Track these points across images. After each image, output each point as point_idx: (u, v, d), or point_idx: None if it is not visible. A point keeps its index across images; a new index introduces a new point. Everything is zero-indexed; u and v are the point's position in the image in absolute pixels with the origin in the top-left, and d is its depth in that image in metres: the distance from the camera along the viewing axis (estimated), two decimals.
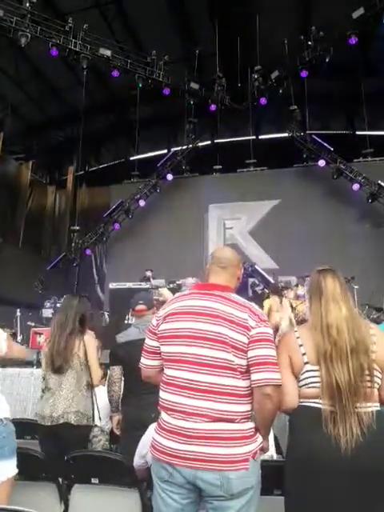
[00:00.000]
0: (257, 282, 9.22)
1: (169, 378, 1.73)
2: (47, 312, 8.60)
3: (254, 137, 12.20)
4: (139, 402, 2.75)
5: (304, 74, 10.24)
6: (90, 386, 2.86)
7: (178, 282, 7.91)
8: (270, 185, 11.23)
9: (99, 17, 10.35)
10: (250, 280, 9.21)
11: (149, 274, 8.34)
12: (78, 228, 12.35)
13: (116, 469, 2.20)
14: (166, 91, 10.80)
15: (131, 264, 10.31)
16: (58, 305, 8.45)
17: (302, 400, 1.70)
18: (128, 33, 10.80)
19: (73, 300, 3.02)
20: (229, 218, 11.80)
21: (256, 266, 9.64)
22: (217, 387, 1.63)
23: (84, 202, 13.76)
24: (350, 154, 10.91)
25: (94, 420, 2.84)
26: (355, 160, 10.97)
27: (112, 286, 8.48)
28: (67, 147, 13.09)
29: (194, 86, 11.06)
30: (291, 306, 5.94)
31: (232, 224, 11.77)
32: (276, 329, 4.96)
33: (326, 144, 10.76)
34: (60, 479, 2.28)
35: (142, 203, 11.58)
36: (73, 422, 2.68)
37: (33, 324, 7.21)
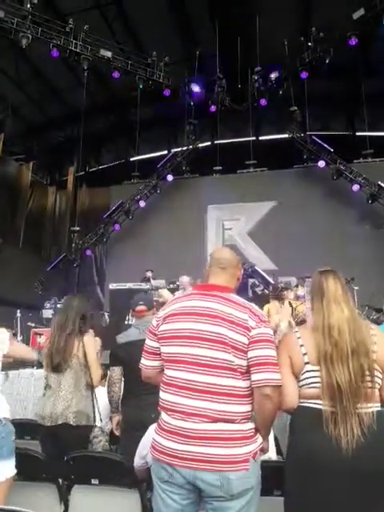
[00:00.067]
0: (257, 282, 9.23)
1: (169, 378, 1.73)
2: (47, 313, 8.60)
3: (254, 138, 12.21)
4: (139, 402, 2.75)
5: (304, 74, 10.25)
6: (90, 387, 2.85)
7: (177, 283, 7.90)
8: (270, 186, 11.24)
9: (100, 18, 10.36)
10: (250, 281, 9.21)
11: (149, 274, 8.34)
12: (78, 229, 12.36)
13: (116, 469, 2.20)
14: (167, 92, 10.82)
15: (131, 265, 10.31)
16: (59, 305, 8.45)
17: (302, 400, 1.70)
18: (128, 34, 10.81)
19: (73, 300, 3.02)
20: (228, 218, 11.81)
21: (256, 267, 9.65)
22: (217, 388, 1.63)
23: (84, 203, 13.77)
24: (350, 155, 10.92)
25: (94, 420, 2.84)
26: (355, 161, 10.97)
27: (112, 286, 8.48)
28: (67, 148, 13.10)
29: (195, 86, 11.07)
30: (291, 307, 5.95)
31: (231, 225, 11.79)
32: (274, 331, 4.97)
33: (325, 145, 10.76)
34: (60, 480, 2.28)
35: (142, 204, 11.59)
36: (72, 423, 2.68)
37: (33, 325, 7.21)
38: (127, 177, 12.53)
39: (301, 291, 6.98)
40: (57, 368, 2.77)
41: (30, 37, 8.97)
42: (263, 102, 10.81)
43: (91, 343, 2.86)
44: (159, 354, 1.81)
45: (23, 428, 2.85)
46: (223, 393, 1.63)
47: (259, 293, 8.96)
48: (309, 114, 11.07)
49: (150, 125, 12.38)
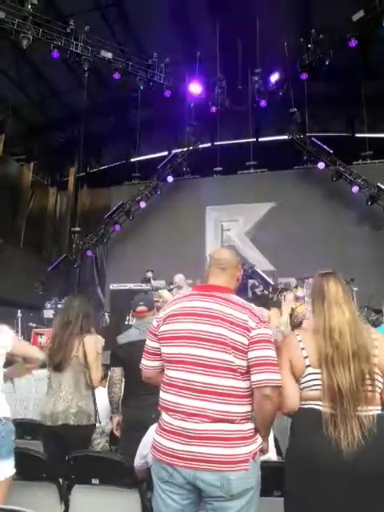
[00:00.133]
0: (256, 283, 9.23)
1: (169, 378, 1.74)
2: (48, 313, 8.62)
3: (254, 139, 12.22)
4: (139, 403, 2.75)
5: (304, 76, 10.26)
6: (90, 387, 2.87)
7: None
8: (270, 187, 11.25)
9: (100, 19, 10.37)
10: (250, 281, 9.21)
11: (149, 275, 8.34)
12: (78, 229, 12.37)
13: (116, 469, 2.20)
14: (167, 93, 10.83)
15: (132, 265, 10.32)
16: (59, 306, 8.46)
17: (303, 402, 1.71)
18: (129, 35, 10.82)
19: (74, 301, 3.03)
20: (226, 219, 11.84)
21: (256, 268, 9.65)
22: (217, 388, 1.64)
23: (85, 204, 13.78)
24: (350, 157, 10.93)
25: (96, 419, 2.85)
26: (355, 162, 10.99)
27: (112, 287, 8.48)
28: (68, 149, 13.10)
29: (195, 87, 11.09)
30: (291, 308, 5.95)
31: (229, 226, 11.81)
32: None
33: (325, 146, 10.78)
34: (60, 480, 2.28)
35: (142, 205, 11.60)
36: (72, 423, 2.69)
37: (34, 325, 7.23)
38: (128, 178, 12.55)
39: (300, 292, 7.00)
40: (57, 367, 2.78)
41: (31, 38, 8.99)
42: (263, 103, 10.82)
43: (91, 344, 2.85)
44: (159, 355, 1.81)
45: (24, 428, 2.86)
46: (223, 393, 1.64)
47: (259, 294, 8.97)
48: (308, 116, 11.09)
49: (150, 126, 12.40)
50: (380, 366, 1.67)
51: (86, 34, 9.73)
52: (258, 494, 1.68)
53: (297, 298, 6.60)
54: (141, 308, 3.06)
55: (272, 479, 1.83)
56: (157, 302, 5.26)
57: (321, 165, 10.68)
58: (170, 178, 11.61)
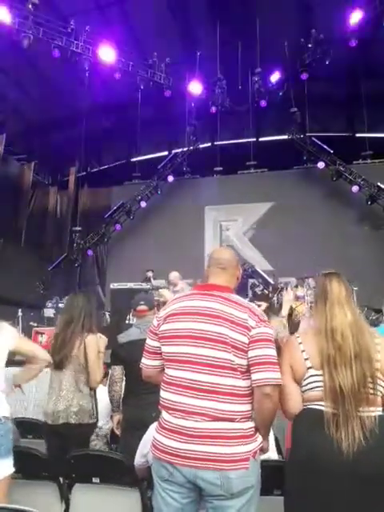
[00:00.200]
0: (257, 283, 9.23)
1: (170, 377, 1.75)
2: (49, 312, 8.64)
3: (255, 139, 12.22)
4: (139, 401, 2.77)
5: (304, 76, 10.25)
6: (91, 386, 2.88)
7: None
8: (270, 187, 11.25)
9: (101, 19, 10.37)
10: (250, 281, 9.21)
11: (150, 274, 8.35)
12: (79, 229, 12.37)
13: (117, 468, 2.21)
14: (167, 93, 10.83)
15: (132, 264, 10.32)
16: (60, 305, 8.48)
17: (304, 403, 1.72)
18: (129, 35, 10.83)
19: (76, 299, 3.03)
20: (226, 219, 11.85)
21: (256, 267, 9.65)
22: (217, 387, 1.64)
23: (86, 203, 13.77)
24: (350, 156, 10.92)
25: (97, 417, 2.86)
26: (355, 162, 10.97)
27: (113, 286, 8.49)
28: (69, 148, 13.08)
29: (195, 87, 11.09)
30: (291, 308, 5.95)
31: (228, 226, 11.82)
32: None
33: (325, 146, 10.77)
34: (61, 478, 2.29)
35: (143, 204, 11.61)
36: (73, 422, 2.70)
37: (35, 324, 7.25)
38: (128, 177, 12.55)
39: (300, 291, 7.00)
40: (58, 366, 2.79)
41: (32, 37, 9.00)
42: (263, 103, 10.80)
43: (93, 343, 2.85)
44: (160, 354, 1.82)
45: (25, 427, 2.88)
46: (224, 392, 1.64)
47: (259, 293, 8.96)
48: (308, 116, 11.08)
49: (150, 126, 12.39)
50: (382, 369, 1.67)
51: (87, 34, 9.73)
52: (258, 492, 1.68)
53: (297, 298, 6.61)
54: (141, 307, 3.07)
55: (272, 478, 1.84)
56: (157, 300, 5.28)
57: (321, 164, 10.67)
58: (170, 178, 11.62)
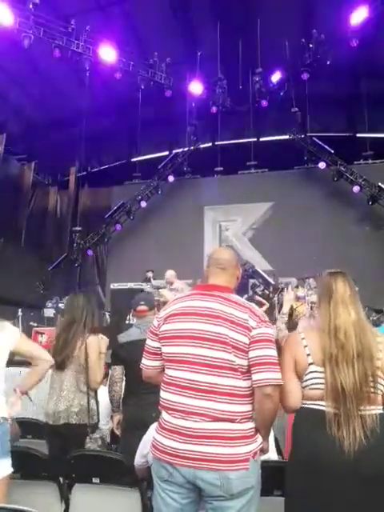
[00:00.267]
0: (257, 283, 9.22)
1: (170, 378, 1.74)
2: (49, 312, 8.64)
3: (255, 139, 12.23)
4: (139, 401, 2.77)
5: (305, 76, 10.24)
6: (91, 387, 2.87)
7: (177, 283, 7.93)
8: (271, 187, 11.25)
9: (102, 19, 10.38)
10: (251, 281, 9.21)
11: (150, 275, 8.36)
12: (79, 229, 12.38)
13: (117, 468, 2.21)
14: (168, 93, 10.83)
15: (132, 265, 10.33)
16: (60, 305, 8.49)
17: (305, 402, 1.71)
18: (130, 35, 10.83)
19: (77, 299, 3.02)
20: (225, 219, 11.85)
21: (256, 268, 9.65)
22: (218, 387, 1.64)
23: (86, 203, 13.78)
24: (351, 157, 10.92)
25: (98, 417, 2.86)
26: (356, 162, 10.98)
27: (113, 286, 8.50)
28: (69, 148, 13.09)
29: (196, 87, 11.09)
30: (291, 308, 5.94)
31: (228, 226, 11.83)
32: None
33: (326, 146, 10.77)
34: (61, 478, 2.29)
35: (143, 204, 11.61)
36: (74, 422, 2.70)
37: (35, 324, 7.25)
38: (128, 177, 12.55)
39: (301, 292, 6.99)
40: (60, 366, 2.79)
41: (32, 37, 9.00)
42: (264, 103, 10.81)
43: (94, 344, 2.85)
44: (160, 354, 1.82)
45: (25, 427, 2.87)
46: (224, 392, 1.64)
47: (259, 293, 8.96)
48: (309, 116, 11.08)
49: (151, 125, 12.39)
50: (383, 368, 1.67)
51: (88, 34, 9.74)
52: (258, 493, 1.68)
53: (297, 298, 6.60)
54: (141, 307, 3.06)
55: (272, 479, 1.84)
56: (157, 300, 5.28)
57: (322, 165, 10.67)
58: (170, 178, 11.62)
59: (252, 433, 1.67)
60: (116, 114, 12.94)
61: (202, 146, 12.08)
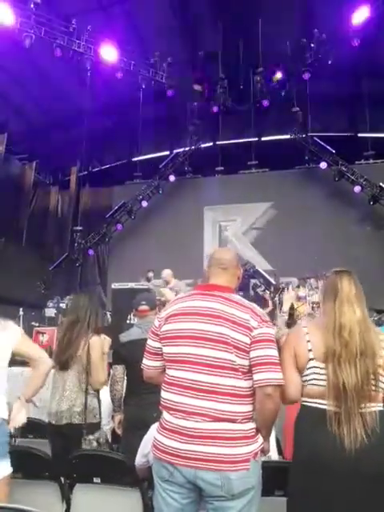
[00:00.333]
0: (258, 283, 9.22)
1: (171, 378, 1.74)
2: (50, 312, 8.64)
3: (256, 139, 12.22)
4: (140, 401, 2.77)
5: (306, 75, 10.25)
6: (94, 388, 2.88)
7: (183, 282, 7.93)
8: (272, 187, 11.24)
9: (103, 18, 10.38)
10: (252, 281, 9.20)
11: (150, 275, 8.35)
12: (80, 228, 12.37)
13: (118, 468, 2.21)
14: (169, 92, 10.84)
15: (134, 264, 10.32)
16: (61, 305, 8.49)
17: (305, 400, 1.72)
18: (131, 34, 10.83)
19: (81, 299, 3.03)
20: (225, 219, 11.85)
21: (257, 268, 9.64)
22: (217, 387, 1.64)
23: (87, 203, 13.78)
24: (352, 156, 10.91)
25: (100, 417, 2.86)
26: (357, 162, 10.96)
27: (114, 286, 8.48)
28: (70, 148, 13.09)
29: (197, 87, 11.08)
30: (292, 307, 5.95)
31: (228, 226, 11.83)
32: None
33: (327, 146, 10.76)
34: (62, 478, 2.29)
35: (144, 204, 11.62)
36: (76, 422, 2.70)
37: (37, 324, 7.25)
38: (130, 177, 12.55)
39: (302, 292, 7.00)
40: (64, 366, 2.79)
41: (34, 37, 9.01)
42: (265, 102, 10.81)
43: (97, 345, 2.85)
44: (161, 355, 1.82)
45: (26, 427, 2.87)
46: (225, 392, 1.64)
47: (260, 293, 8.95)
48: (311, 115, 11.08)
49: (152, 125, 12.38)
50: None
51: (89, 33, 9.74)
52: (258, 493, 1.68)
53: (298, 298, 6.61)
54: (143, 307, 3.06)
55: (273, 479, 1.84)
56: (159, 300, 5.29)
57: (323, 164, 10.66)
58: (171, 178, 11.62)
59: (253, 433, 1.67)
60: (117, 113, 12.93)
61: (202, 145, 12.07)
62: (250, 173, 11.69)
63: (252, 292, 8.86)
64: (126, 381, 3.00)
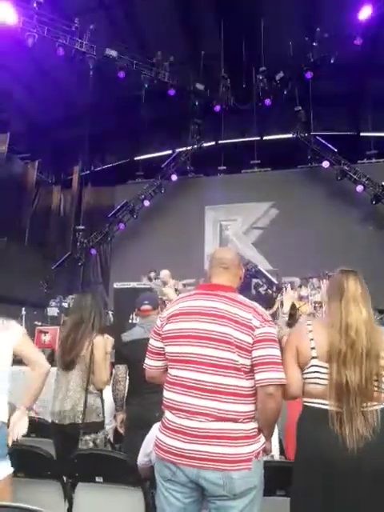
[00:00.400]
0: (260, 282, 9.22)
1: (173, 377, 1.74)
2: (52, 311, 8.66)
3: (259, 138, 12.21)
4: (142, 401, 2.77)
5: (309, 75, 10.22)
6: (97, 388, 2.88)
7: (182, 282, 7.93)
8: (274, 186, 11.24)
9: (105, 17, 10.38)
10: (254, 281, 9.20)
11: (152, 275, 8.36)
12: (83, 228, 12.40)
13: (120, 468, 2.22)
14: (171, 92, 10.83)
15: (136, 264, 10.33)
16: (64, 304, 8.51)
17: (307, 399, 1.72)
18: (134, 33, 10.83)
19: (85, 299, 3.02)
20: (226, 219, 11.85)
21: (259, 267, 9.64)
22: (221, 387, 1.64)
23: (89, 202, 13.79)
24: (354, 156, 10.91)
25: (104, 416, 2.86)
26: (359, 161, 10.96)
27: (116, 285, 8.49)
28: (73, 147, 13.11)
29: (199, 86, 11.07)
30: (294, 307, 5.94)
31: (228, 225, 11.82)
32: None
33: (330, 145, 10.75)
34: (64, 477, 2.30)
35: (146, 203, 11.63)
36: (79, 421, 2.71)
37: (39, 324, 7.26)
38: (132, 176, 12.57)
39: (304, 291, 7.00)
40: (68, 366, 2.80)
41: (36, 36, 9.02)
42: (268, 101, 10.79)
43: (100, 345, 2.85)
44: (163, 354, 1.82)
45: (30, 426, 2.88)
46: (228, 392, 1.64)
47: (263, 293, 8.96)
48: (313, 114, 11.06)
49: (154, 124, 12.39)
50: None
51: (91, 33, 9.75)
52: (260, 493, 1.68)
53: (301, 298, 6.61)
54: (145, 307, 3.07)
55: (275, 479, 1.84)
56: (161, 299, 5.29)
57: (325, 164, 10.65)
58: (174, 177, 11.62)
59: (255, 433, 1.67)
60: (119, 112, 12.93)
61: (205, 144, 12.07)
62: (252, 172, 11.68)
63: (254, 291, 8.87)
64: (128, 380, 3.00)
